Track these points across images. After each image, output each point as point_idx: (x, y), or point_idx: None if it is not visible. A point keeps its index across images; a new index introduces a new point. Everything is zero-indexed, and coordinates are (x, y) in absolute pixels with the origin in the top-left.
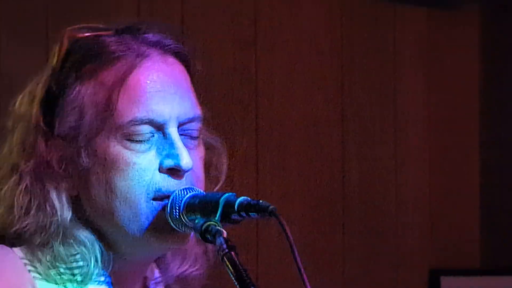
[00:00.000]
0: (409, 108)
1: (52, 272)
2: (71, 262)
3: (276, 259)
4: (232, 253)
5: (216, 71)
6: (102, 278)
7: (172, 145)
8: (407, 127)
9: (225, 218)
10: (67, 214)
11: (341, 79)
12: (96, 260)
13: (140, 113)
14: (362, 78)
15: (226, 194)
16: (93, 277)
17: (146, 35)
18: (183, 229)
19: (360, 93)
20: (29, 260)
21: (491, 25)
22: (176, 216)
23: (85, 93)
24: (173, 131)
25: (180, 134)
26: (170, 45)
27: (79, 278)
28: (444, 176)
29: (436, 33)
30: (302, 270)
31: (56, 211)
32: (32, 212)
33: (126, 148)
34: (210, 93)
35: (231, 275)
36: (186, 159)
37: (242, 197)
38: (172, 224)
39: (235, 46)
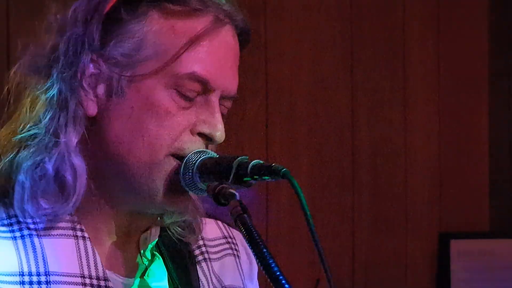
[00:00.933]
0: (419, 72)
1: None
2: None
3: (286, 222)
4: (245, 215)
5: None
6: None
7: (212, 113)
8: (416, 91)
9: (238, 180)
10: (75, 139)
11: (350, 44)
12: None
13: (201, 71)
14: (371, 42)
15: (239, 157)
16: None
17: (221, 2)
18: (195, 191)
19: (370, 57)
20: None
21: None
22: (189, 177)
23: (151, 29)
24: (216, 100)
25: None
26: (239, 20)
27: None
28: (453, 139)
29: (445, 2)
30: (314, 231)
31: (67, 132)
32: (44, 121)
33: (172, 97)
34: None
35: (244, 237)
36: (221, 132)
37: (255, 160)
38: (184, 186)
39: (244, 11)
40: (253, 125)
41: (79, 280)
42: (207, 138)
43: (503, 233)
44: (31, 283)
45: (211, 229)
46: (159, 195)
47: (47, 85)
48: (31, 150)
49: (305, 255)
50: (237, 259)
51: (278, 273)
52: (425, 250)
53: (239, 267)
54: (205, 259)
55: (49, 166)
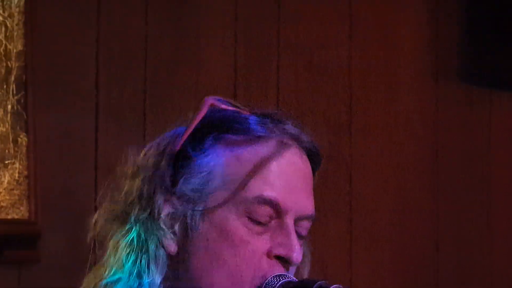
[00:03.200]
0: (503, 195)
1: None
2: None
3: None
4: None
5: None
6: None
7: (287, 235)
8: (500, 210)
9: None
10: (158, 278)
11: (435, 164)
12: None
13: (269, 193)
14: (456, 163)
15: (319, 281)
16: None
17: (286, 126)
18: None
19: (454, 179)
20: None
21: None
22: None
23: (218, 161)
24: (291, 222)
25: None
26: (306, 142)
27: None
28: None
29: None
30: None
31: (150, 273)
32: (128, 265)
33: (245, 225)
34: None
35: None
36: (297, 252)
37: (335, 285)
38: None
39: (329, 129)
40: (336, 245)
41: None
42: (284, 260)
43: None
44: None
45: None
46: None
47: (126, 229)
48: None
49: None
50: None
51: None
52: None
53: None
54: None
55: None
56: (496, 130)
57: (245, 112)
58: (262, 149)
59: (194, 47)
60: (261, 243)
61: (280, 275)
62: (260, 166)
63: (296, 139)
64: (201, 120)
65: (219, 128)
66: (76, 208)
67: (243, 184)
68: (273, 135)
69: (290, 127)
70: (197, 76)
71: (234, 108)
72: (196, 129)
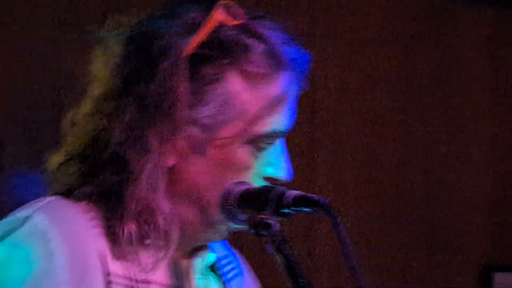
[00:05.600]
0: (473, 108)
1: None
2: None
3: (330, 252)
4: (284, 245)
5: None
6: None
7: (278, 154)
8: (470, 124)
9: (278, 211)
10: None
11: (404, 78)
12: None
13: (279, 127)
14: (426, 77)
15: (279, 188)
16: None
17: (297, 56)
18: (234, 222)
19: (424, 93)
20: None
21: None
22: (228, 209)
23: (234, 92)
24: (283, 141)
25: None
26: (307, 67)
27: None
28: (506, 174)
29: (502, 33)
30: (353, 263)
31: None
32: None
33: (251, 153)
34: None
35: (283, 267)
36: (287, 171)
37: (295, 191)
38: (224, 217)
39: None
40: (299, 156)
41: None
42: (275, 179)
43: None
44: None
45: (219, 245)
46: (228, 232)
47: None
48: None
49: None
50: (242, 276)
51: None
52: (467, 281)
53: (246, 285)
54: (230, 277)
55: None
56: (466, 47)
57: (258, 23)
58: (278, 84)
59: None
60: (258, 165)
61: (241, 182)
62: (275, 103)
63: (301, 65)
64: (209, 37)
65: (235, 56)
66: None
67: (258, 118)
68: (285, 68)
69: (295, 51)
70: None
71: (244, 22)
72: (207, 47)
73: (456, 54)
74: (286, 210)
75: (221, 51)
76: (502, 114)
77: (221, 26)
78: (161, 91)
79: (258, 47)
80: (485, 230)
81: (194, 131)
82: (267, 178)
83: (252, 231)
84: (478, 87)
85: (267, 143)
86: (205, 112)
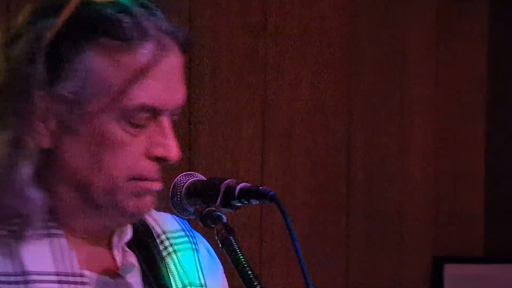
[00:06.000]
0: (416, 97)
1: None
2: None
3: (281, 244)
4: (231, 237)
5: (225, 56)
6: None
7: (165, 135)
8: (413, 115)
9: (226, 203)
10: (28, 169)
11: (348, 67)
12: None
13: (149, 101)
14: (370, 66)
15: (227, 181)
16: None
17: (161, 23)
18: (183, 214)
19: (368, 83)
20: None
21: (499, 14)
22: (177, 200)
23: (95, 66)
24: (168, 120)
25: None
26: (182, 37)
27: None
28: (450, 162)
29: (445, 22)
30: (300, 255)
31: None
32: None
33: (123, 129)
34: (218, 78)
35: (230, 259)
36: (175, 151)
37: (243, 183)
38: (173, 209)
39: (244, 32)
40: (249, 148)
41: (54, 278)
42: (163, 160)
43: (498, 258)
44: (9, 282)
45: (170, 221)
46: (126, 212)
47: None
48: None
49: (300, 278)
50: (196, 254)
51: None
52: (419, 274)
53: (198, 264)
54: (174, 251)
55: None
56: (409, 33)
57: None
58: (141, 54)
59: None
60: (138, 144)
61: (188, 173)
62: (140, 73)
63: (173, 37)
64: (71, 15)
65: (94, 30)
66: None
67: (123, 91)
68: (151, 37)
69: (166, 24)
70: None
71: None
72: (68, 25)
73: (400, 44)
74: (234, 202)
75: (81, 27)
76: (444, 104)
77: (87, 3)
78: (15, 73)
79: (121, 20)
80: (433, 221)
81: (61, 109)
82: (157, 158)
83: (201, 222)
84: (420, 78)
85: (143, 119)
86: (67, 88)
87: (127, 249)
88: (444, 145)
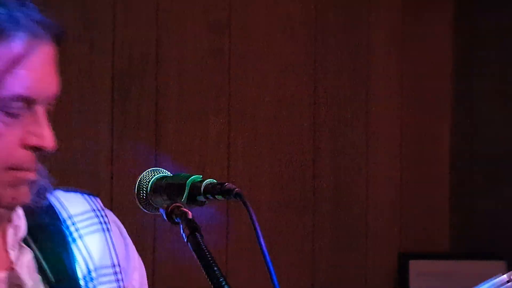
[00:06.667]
0: (381, 94)
1: None
2: None
3: (247, 240)
4: (197, 233)
5: (189, 53)
6: None
7: (39, 124)
8: (379, 111)
9: (192, 200)
10: None
11: (313, 64)
12: None
13: (23, 91)
14: (335, 63)
15: (193, 177)
16: None
17: (33, 13)
18: (149, 209)
19: (333, 78)
20: None
21: (464, 12)
22: (143, 196)
23: None
24: (42, 110)
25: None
26: (54, 28)
27: None
28: (415, 159)
29: (410, 20)
30: (265, 251)
31: None
32: None
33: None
34: (183, 75)
35: (195, 256)
36: (50, 140)
37: (208, 180)
38: (139, 204)
39: (208, 28)
40: (215, 144)
41: None
42: (39, 149)
43: (463, 255)
44: None
45: (78, 202)
46: (2, 203)
47: None
48: None
49: (266, 274)
50: (108, 234)
51: None
52: (384, 269)
53: (110, 244)
54: (79, 236)
55: None
56: (374, 29)
57: None
58: (14, 45)
59: None
60: (14, 134)
61: (154, 169)
62: (12, 63)
63: (45, 27)
64: None
65: None
66: None
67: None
68: (23, 27)
69: (38, 16)
70: None
71: None
72: None
73: (366, 41)
74: (199, 198)
75: None
76: (409, 102)
77: None
78: None
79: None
80: (398, 218)
81: None
82: (33, 148)
83: (166, 219)
84: (386, 75)
85: (17, 108)
86: None
87: (23, 244)
88: (410, 142)
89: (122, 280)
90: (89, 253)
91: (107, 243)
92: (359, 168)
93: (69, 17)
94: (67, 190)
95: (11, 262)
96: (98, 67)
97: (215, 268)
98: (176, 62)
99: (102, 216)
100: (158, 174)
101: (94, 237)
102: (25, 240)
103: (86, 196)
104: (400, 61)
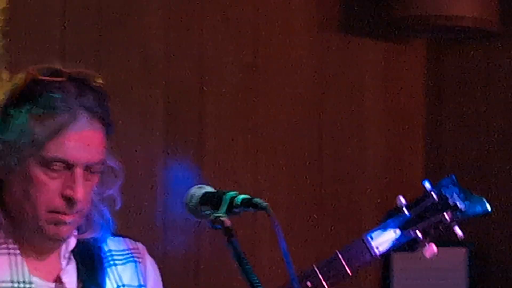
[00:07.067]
0: (371, 118)
1: None
2: None
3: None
4: (233, 239)
5: (226, 88)
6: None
7: (74, 180)
8: (369, 133)
9: (229, 210)
10: None
11: (319, 97)
12: None
13: (61, 155)
14: (335, 94)
15: (230, 192)
16: None
17: (84, 99)
18: (197, 216)
19: (334, 106)
20: None
21: (434, 53)
22: (193, 206)
23: (28, 125)
24: (78, 171)
25: (85, 170)
26: (98, 112)
27: None
28: (396, 168)
29: (391, 62)
30: (289, 260)
31: None
32: None
33: (43, 172)
34: (220, 103)
35: (233, 257)
36: (80, 194)
37: (243, 195)
38: (189, 212)
39: (240, 68)
40: (244, 162)
41: (10, 284)
42: (70, 199)
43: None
44: None
45: (119, 242)
46: (48, 236)
47: None
48: None
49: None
50: (139, 265)
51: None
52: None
53: (139, 271)
54: (113, 263)
55: None
56: (364, 71)
57: (59, 80)
58: (60, 119)
59: None
60: (55, 185)
61: (201, 186)
62: (56, 132)
63: (84, 106)
64: (19, 90)
65: (34, 101)
66: None
67: (44, 144)
68: (68, 109)
69: (86, 101)
70: None
71: (51, 79)
72: (18, 93)
73: (358, 78)
74: (236, 210)
75: (24, 98)
76: (392, 124)
77: (36, 81)
78: None
79: (52, 96)
80: (383, 208)
81: (5, 152)
82: (65, 197)
83: (210, 225)
84: (374, 104)
85: (59, 167)
86: (9, 137)
87: (71, 256)
88: (392, 155)
89: None
90: (119, 275)
91: (136, 268)
92: (353, 176)
93: (129, 55)
94: (116, 235)
95: (60, 270)
96: (152, 99)
97: (248, 267)
98: (214, 94)
99: (136, 253)
100: (204, 190)
101: (126, 265)
102: (73, 251)
103: (128, 240)
104: (385, 93)
